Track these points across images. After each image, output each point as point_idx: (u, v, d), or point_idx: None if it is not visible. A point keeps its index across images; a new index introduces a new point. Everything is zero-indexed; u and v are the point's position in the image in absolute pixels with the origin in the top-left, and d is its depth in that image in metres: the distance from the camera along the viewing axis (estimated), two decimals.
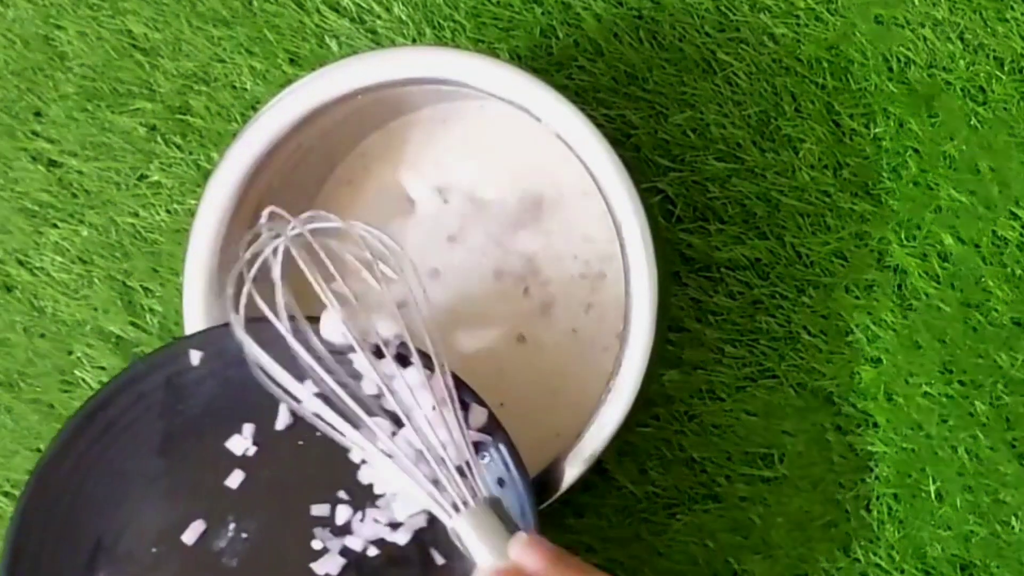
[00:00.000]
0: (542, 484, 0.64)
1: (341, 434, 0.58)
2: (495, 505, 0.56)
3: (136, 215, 0.74)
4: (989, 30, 0.70)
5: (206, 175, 0.70)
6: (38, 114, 0.75)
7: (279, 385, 0.58)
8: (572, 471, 0.63)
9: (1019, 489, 0.69)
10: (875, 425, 0.70)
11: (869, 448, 0.70)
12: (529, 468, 0.64)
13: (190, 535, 0.62)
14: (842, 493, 0.70)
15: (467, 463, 0.57)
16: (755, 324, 0.70)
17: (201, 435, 0.62)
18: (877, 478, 0.70)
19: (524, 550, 0.54)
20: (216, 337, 0.62)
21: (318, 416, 0.58)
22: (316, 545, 0.61)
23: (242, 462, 0.62)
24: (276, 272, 0.58)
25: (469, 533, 0.55)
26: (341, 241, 0.59)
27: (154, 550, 0.62)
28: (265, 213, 0.59)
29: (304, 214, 0.59)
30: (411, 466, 0.57)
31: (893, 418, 0.70)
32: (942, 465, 0.69)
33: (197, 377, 0.62)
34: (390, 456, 0.57)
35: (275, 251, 0.58)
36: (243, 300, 0.58)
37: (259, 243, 0.58)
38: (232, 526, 0.62)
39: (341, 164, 0.70)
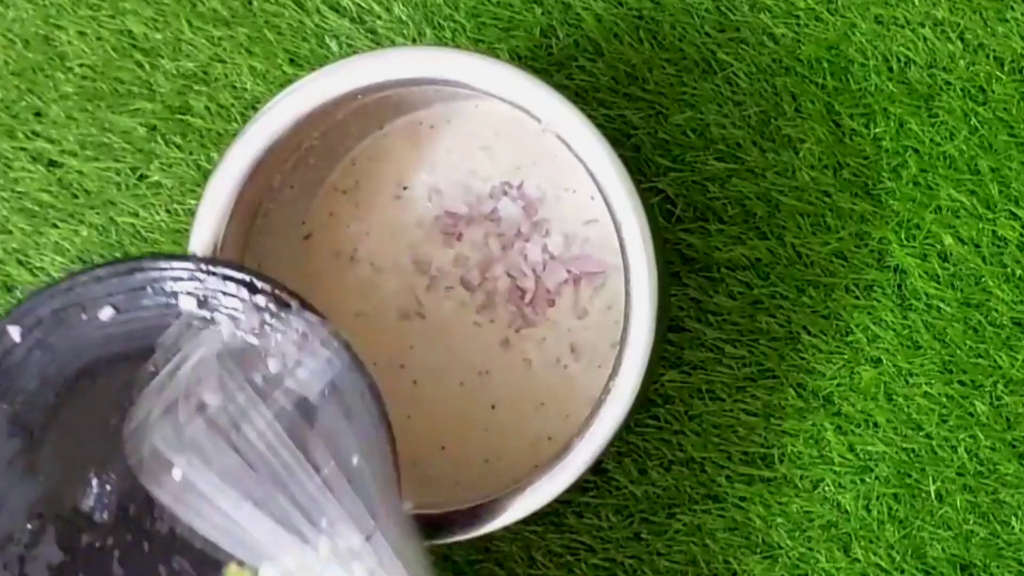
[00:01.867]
0: (540, 486, 0.63)
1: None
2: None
3: (136, 215, 0.74)
4: (989, 30, 0.70)
5: (206, 175, 0.70)
6: (38, 114, 0.75)
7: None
8: (571, 472, 0.63)
9: (1019, 489, 0.69)
10: (875, 425, 0.70)
11: (869, 448, 0.70)
12: (526, 469, 0.64)
13: (58, 503, 0.62)
14: (842, 493, 0.70)
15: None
16: (755, 324, 0.70)
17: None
18: (877, 478, 0.70)
19: None
20: (29, 308, 0.63)
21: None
22: (176, 475, 0.61)
23: None
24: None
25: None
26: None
27: (29, 526, 0.62)
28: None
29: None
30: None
31: (893, 418, 0.70)
32: (942, 465, 0.69)
33: (24, 352, 0.63)
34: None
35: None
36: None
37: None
38: (94, 481, 0.62)
39: (341, 164, 0.70)
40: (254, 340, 0.60)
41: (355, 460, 0.58)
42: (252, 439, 0.58)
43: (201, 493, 0.58)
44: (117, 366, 0.63)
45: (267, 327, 0.60)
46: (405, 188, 0.70)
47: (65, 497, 0.63)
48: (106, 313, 0.62)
